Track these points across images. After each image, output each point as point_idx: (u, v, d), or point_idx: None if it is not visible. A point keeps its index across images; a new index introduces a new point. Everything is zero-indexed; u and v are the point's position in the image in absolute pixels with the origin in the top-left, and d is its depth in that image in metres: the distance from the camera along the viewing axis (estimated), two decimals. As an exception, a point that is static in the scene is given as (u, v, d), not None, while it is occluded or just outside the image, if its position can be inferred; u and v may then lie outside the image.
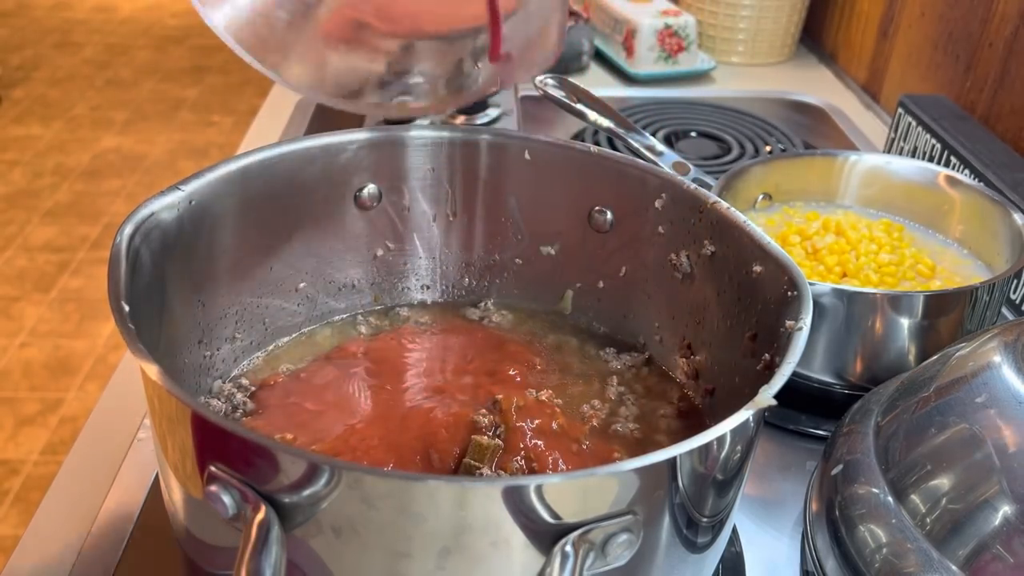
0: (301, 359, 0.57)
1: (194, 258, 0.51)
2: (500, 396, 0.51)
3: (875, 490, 0.45)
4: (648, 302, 0.58)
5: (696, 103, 1.12)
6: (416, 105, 0.53)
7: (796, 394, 0.58)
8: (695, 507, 0.39)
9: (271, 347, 0.58)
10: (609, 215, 0.58)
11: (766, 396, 0.38)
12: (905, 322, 0.58)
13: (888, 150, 0.98)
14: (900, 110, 0.94)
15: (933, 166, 0.73)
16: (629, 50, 1.20)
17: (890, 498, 0.44)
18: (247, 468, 0.35)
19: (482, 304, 0.63)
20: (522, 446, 0.48)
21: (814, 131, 1.10)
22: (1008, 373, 0.44)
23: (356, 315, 0.61)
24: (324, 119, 1.08)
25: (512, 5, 0.43)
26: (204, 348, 0.53)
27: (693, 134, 1.04)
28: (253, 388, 0.54)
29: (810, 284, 0.46)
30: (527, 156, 0.58)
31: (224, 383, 0.54)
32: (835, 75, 1.28)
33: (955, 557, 0.40)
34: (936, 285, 0.65)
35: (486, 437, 0.48)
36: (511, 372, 0.55)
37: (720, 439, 0.37)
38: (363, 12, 0.44)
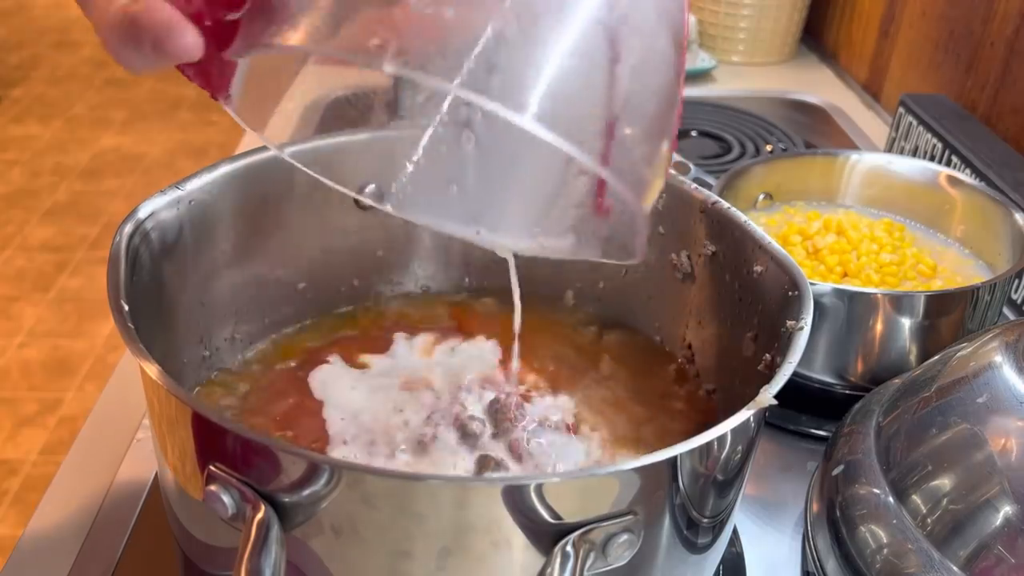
0: (301, 358, 0.57)
1: (194, 258, 0.51)
2: (500, 394, 0.51)
3: (876, 490, 0.45)
4: (648, 302, 0.58)
5: (696, 102, 1.12)
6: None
7: (797, 394, 0.58)
8: (696, 507, 0.39)
9: (271, 347, 0.58)
10: (609, 215, 0.57)
11: (767, 396, 0.38)
12: (906, 322, 0.58)
13: (889, 149, 0.98)
14: (901, 109, 0.94)
15: (934, 166, 0.73)
16: (629, 50, 1.20)
17: (891, 498, 0.44)
18: (247, 467, 0.35)
19: (482, 303, 0.63)
20: (522, 444, 0.48)
21: (815, 130, 1.10)
22: (1009, 373, 0.44)
23: (356, 314, 0.61)
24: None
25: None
26: (204, 348, 0.53)
27: (693, 133, 1.04)
28: (253, 387, 0.54)
29: (811, 284, 0.46)
30: (527, 155, 0.58)
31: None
32: (836, 74, 1.28)
33: (956, 558, 0.40)
34: (937, 285, 0.65)
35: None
36: (510, 370, 0.55)
37: (720, 439, 0.37)
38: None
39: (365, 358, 0.56)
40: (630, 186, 0.33)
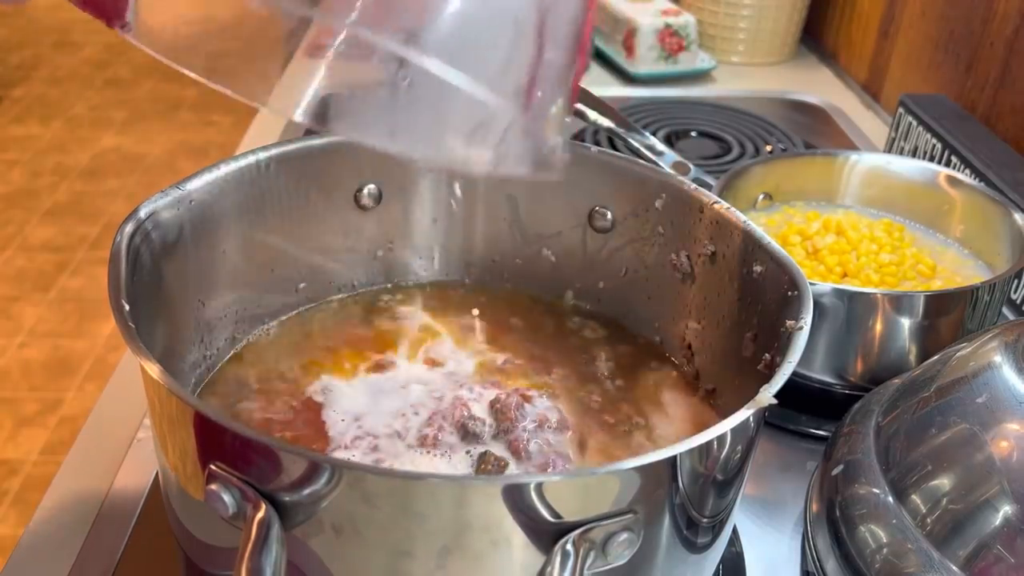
0: (301, 358, 0.57)
1: (194, 258, 0.51)
2: (501, 393, 0.51)
3: (876, 490, 0.45)
4: (648, 302, 0.58)
5: (696, 103, 1.12)
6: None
7: (796, 394, 0.58)
8: (695, 507, 0.39)
9: (271, 347, 0.58)
10: (609, 215, 0.58)
11: (766, 395, 0.38)
12: (906, 322, 0.58)
13: (889, 150, 0.98)
14: (901, 110, 0.94)
15: (934, 166, 0.73)
16: (629, 49, 1.20)
17: (891, 498, 0.44)
18: (248, 467, 0.35)
19: (482, 304, 0.63)
20: (522, 444, 0.48)
21: (814, 131, 1.10)
22: (1009, 373, 0.44)
23: (356, 314, 0.61)
24: (324, 119, 1.07)
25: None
26: (204, 347, 0.53)
27: (693, 134, 1.04)
28: (253, 387, 0.54)
29: (810, 284, 0.46)
30: (527, 155, 0.58)
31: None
32: (835, 75, 1.28)
33: (956, 557, 0.40)
34: (937, 285, 0.65)
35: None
36: (510, 370, 0.55)
37: (720, 438, 0.37)
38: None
39: (365, 359, 0.56)
40: (540, 114, 0.34)
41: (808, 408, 0.63)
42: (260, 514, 0.34)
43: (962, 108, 0.93)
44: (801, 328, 0.42)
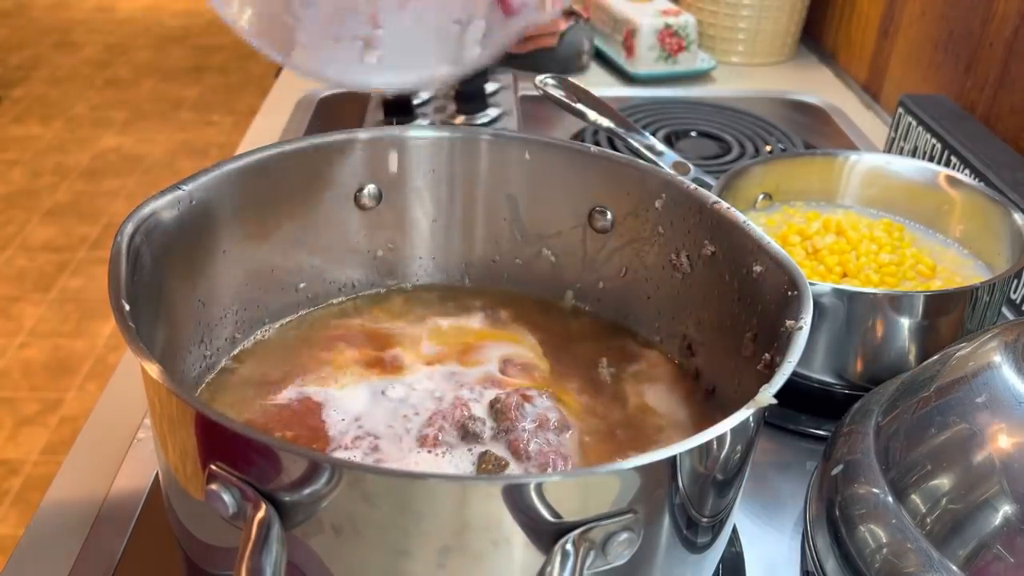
0: (301, 358, 0.57)
1: (194, 258, 0.51)
2: (500, 394, 0.51)
3: (875, 490, 0.45)
4: (648, 302, 0.58)
5: (696, 103, 1.12)
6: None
7: (796, 394, 0.58)
8: (695, 506, 0.39)
9: (271, 346, 0.58)
10: (609, 215, 0.58)
11: (766, 395, 0.38)
12: (905, 322, 0.58)
13: (888, 150, 0.98)
14: (900, 110, 0.94)
15: (933, 166, 0.73)
16: (629, 50, 1.20)
17: (890, 498, 0.44)
18: (248, 466, 0.35)
19: (482, 304, 0.63)
20: (522, 444, 0.48)
21: (814, 131, 1.10)
22: (1008, 373, 0.44)
23: (356, 314, 0.61)
24: (324, 119, 1.08)
25: None
26: (204, 347, 0.53)
27: (693, 134, 1.04)
28: (253, 387, 0.54)
29: (810, 284, 0.46)
30: (527, 156, 0.58)
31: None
32: (835, 75, 1.28)
33: (955, 557, 0.40)
34: (936, 285, 0.65)
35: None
36: (510, 371, 0.55)
37: (720, 438, 0.37)
38: None
39: (365, 359, 0.56)
40: None
41: (808, 408, 0.63)
42: (260, 514, 0.34)
43: (962, 108, 0.94)
44: (801, 328, 0.43)
